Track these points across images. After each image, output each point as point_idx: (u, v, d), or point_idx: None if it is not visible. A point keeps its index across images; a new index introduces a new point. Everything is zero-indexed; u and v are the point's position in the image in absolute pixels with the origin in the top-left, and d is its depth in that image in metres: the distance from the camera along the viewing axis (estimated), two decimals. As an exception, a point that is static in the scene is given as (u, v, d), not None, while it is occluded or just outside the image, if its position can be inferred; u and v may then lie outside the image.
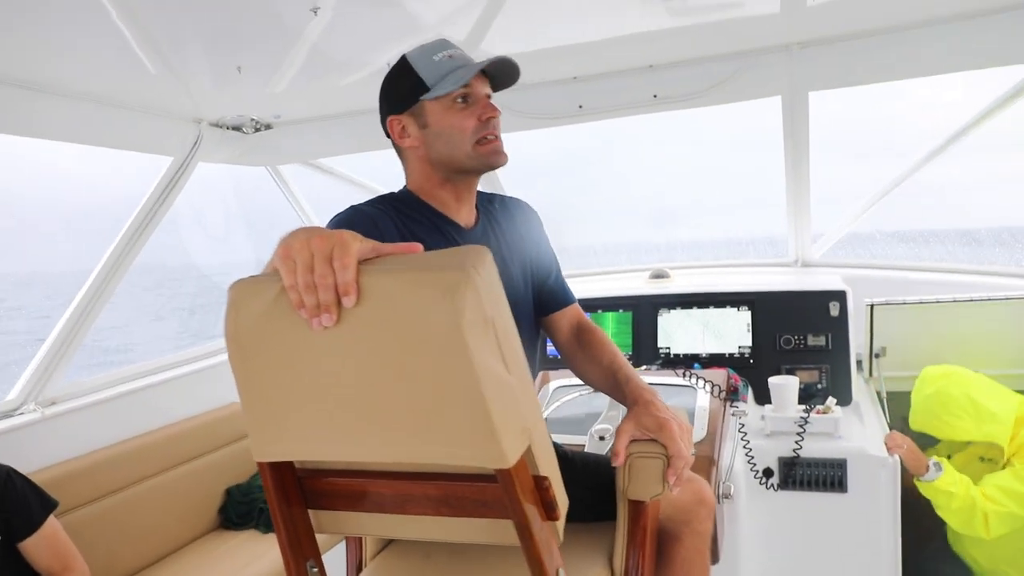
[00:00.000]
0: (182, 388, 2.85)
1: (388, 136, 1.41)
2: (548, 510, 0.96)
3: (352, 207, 1.33)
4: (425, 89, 1.31)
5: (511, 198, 1.60)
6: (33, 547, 1.84)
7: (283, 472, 1.02)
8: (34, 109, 2.15)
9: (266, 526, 2.65)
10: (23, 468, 1.96)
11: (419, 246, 0.89)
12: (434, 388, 0.84)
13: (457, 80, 1.29)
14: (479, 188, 1.49)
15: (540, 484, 0.95)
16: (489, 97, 1.37)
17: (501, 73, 1.36)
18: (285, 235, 0.88)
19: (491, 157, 1.35)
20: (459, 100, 1.32)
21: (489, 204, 1.52)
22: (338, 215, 1.28)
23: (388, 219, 1.29)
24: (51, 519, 1.89)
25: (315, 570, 1.09)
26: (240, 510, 2.73)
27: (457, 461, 0.88)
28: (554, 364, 2.61)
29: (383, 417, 0.88)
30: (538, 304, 1.57)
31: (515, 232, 1.52)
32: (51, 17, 1.67)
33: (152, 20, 1.78)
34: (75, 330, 2.47)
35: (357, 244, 0.84)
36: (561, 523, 1.01)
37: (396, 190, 1.44)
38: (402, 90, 1.35)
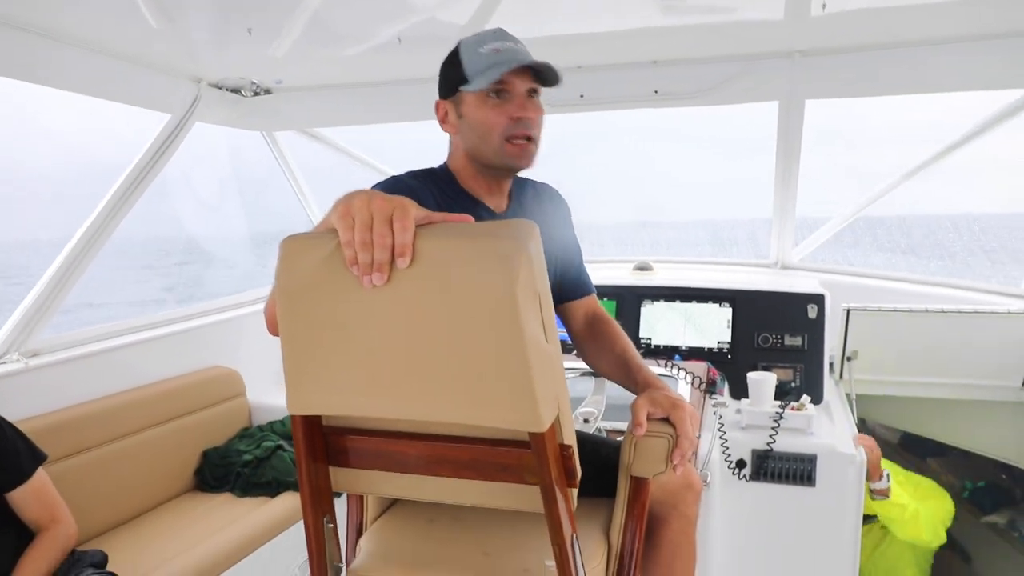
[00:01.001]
0: (166, 348, 2.83)
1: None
2: (569, 477, 1.01)
3: (394, 177, 1.34)
4: (465, 80, 1.31)
5: (543, 184, 1.61)
6: (21, 498, 1.83)
7: (312, 427, 1.05)
8: (33, 54, 2.11)
9: (242, 490, 2.66)
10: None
11: (470, 217, 0.93)
12: (481, 350, 0.88)
13: (490, 77, 1.28)
14: None
15: (564, 451, 1.00)
16: (534, 93, 1.35)
17: (546, 71, 1.32)
18: (342, 196, 0.91)
19: (515, 159, 1.34)
20: (493, 95, 1.32)
21: (521, 189, 1.53)
22: (379, 183, 1.30)
23: (428, 194, 1.31)
24: (40, 471, 1.88)
25: (331, 526, 1.13)
26: (217, 473, 2.73)
27: (495, 423, 0.92)
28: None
29: (427, 376, 0.91)
30: (558, 291, 1.60)
31: (544, 219, 1.53)
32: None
33: None
34: (62, 282, 2.44)
35: (415, 210, 0.88)
36: (575, 492, 1.07)
37: (436, 165, 1.45)
38: (449, 77, 1.36)
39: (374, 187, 1.27)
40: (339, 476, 1.14)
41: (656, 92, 2.69)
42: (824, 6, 2.01)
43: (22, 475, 1.83)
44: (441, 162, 1.46)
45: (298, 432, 1.04)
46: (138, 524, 2.48)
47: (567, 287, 1.63)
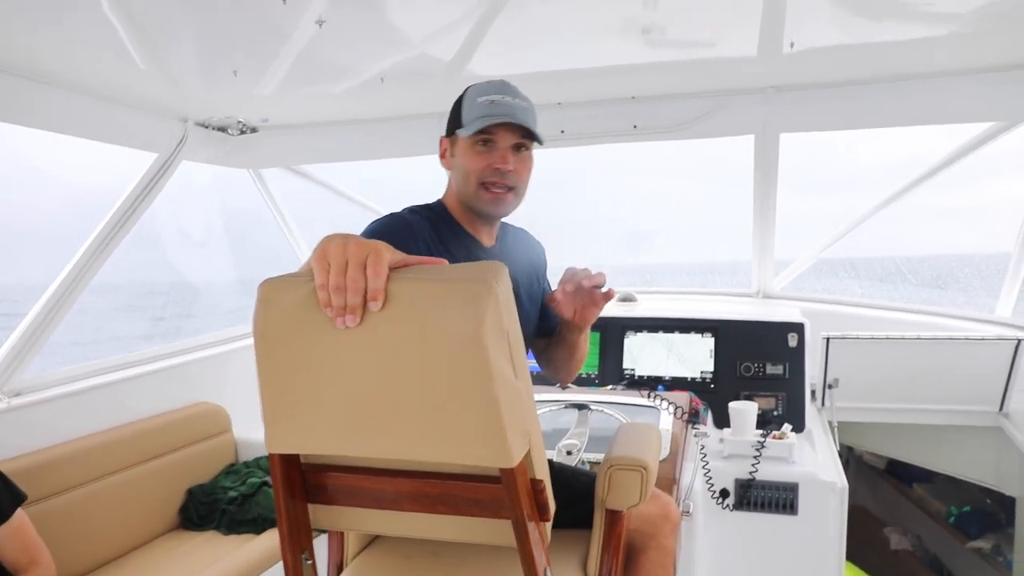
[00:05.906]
0: (150, 385, 2.82)
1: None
2: (541, 511, 1.03)
3: (392, 214, 1.42)
4: (460, 125, 1.42)
5: (523, 230, 1.72)
6: (0, 539, 1.82)
7: (291, 465, 1.06)
8: (19, 96, 2.14)
9: (227, 528, 2.64)
10: (-15, 457, 1.95)
11: (444, 261, 0.96)
12: (449, 389, 0.90)
13: (477, 126, 1.38)
14: None
15: (536, 486, 1.01)
16: (522, 148, 1.44)
17: (528, 132, 1.41)
18: (323, 239, 0.94)
19: (488, 205, 1.44)
20: (480, 143, 1.41)
21: (503, 230, 1.62)
22: (378, 219, 1.37)
23: (424, 228, 1.38)
24: (19, 512, 1.87)
25: (309, 562, 1.13)
26: (202, 511, 2.72)
27: (466, 460, 0.94)
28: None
29: (398, 415, 0.93)
30: (536, 327, 1.69)
31: (525, 260, 1.64)
32: (40, 4, 1.67)
33: (143, 15, 1.80)
34: (46, 321, 2.44)
35: (389, 255, 0.91)
36: (549, 525, 1.08)
37: (432, 201, 1.53)
38: (453, 118, 1.47)
39: (372, 223, 1.34)
40: (318, 513, 1.15)
41: (635, 127, 2.75)
42: (792, 44, 2.07)
43: (1, 516, 1.83)
44: (436, 198, 1.54)
45: (276, 470, 1.05)
46: (122, 564, 2.45)
47: (545, 326, 1.72)
